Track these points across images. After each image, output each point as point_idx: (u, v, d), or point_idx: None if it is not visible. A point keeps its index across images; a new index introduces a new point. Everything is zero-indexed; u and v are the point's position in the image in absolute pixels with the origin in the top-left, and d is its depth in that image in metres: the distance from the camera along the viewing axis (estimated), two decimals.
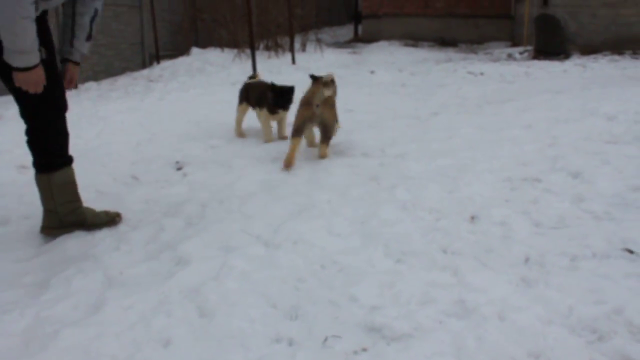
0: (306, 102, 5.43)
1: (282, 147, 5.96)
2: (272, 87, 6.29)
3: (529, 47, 15.38)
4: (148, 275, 3.36)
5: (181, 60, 13.55)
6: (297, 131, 5.36)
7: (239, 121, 6.73)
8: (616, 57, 13.34)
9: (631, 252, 3.33)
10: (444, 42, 19.22)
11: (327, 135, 5.48)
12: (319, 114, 5.37)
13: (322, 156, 5.45)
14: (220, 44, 14.83)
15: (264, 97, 6.32)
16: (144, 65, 14.04)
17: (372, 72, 12.16)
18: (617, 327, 2.68)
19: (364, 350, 2.62)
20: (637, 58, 13.13)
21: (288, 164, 5.18)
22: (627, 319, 2.71)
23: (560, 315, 2.79)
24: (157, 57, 13.90)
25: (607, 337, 2.61)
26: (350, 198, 4.37)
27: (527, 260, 3.34)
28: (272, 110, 6.31)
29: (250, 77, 7.18)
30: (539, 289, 3.01)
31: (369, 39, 19.85)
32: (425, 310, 2.86)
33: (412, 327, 2.73)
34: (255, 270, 3.30)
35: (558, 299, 2.91)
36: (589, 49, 14.13)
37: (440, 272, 3.23)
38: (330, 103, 5.48)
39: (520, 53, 15.15)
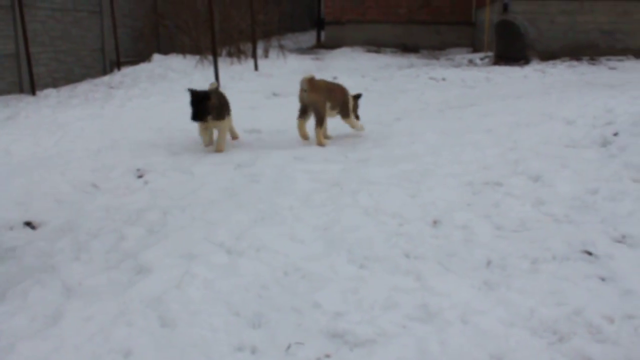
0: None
1: (244, 156, 5.91)
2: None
3: (490, 53, 15.58)
4: (108, 284, 3.30)
5: (143, 67, 13.41)
6: (299, 113, 6.54)
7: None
8: (574, 62, 13.59)
9: (590, 253, 3.39)
10: (406, 48, 19.36)
11: (317, 118, 6.35)
12: (306, 97, 6.34)
13: (317, 144, 6.32)
14: (183, 50, 14.71)
15: None
16: (105, 71, 13.86)
17: (334, 78, 12.16)
18: (577, 328, 2.71)
19: (327, 356, 2.61)
20: (594, 64, 13.40)
21: (303, 138, 6.54)
22: (587, 319, 2.75)
23: (521, 317, 2.82)
24: (118, 64, 13.73)
25: (568, 338, 2.65)
26: (312, 204, 4.35)
27: (489, 263, 3.37)
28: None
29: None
30: (501, 292, 3.04)
31: (331, 45, 19.89)
32: (389, 315, 2.86)
33: (375, 332, 2.73)
34: (218, 278, 3.27)
35: (519, 301, 2.94)
36: (548, 55, 14.37)
37: (403, 277, 3.24)
38: (319, 90, 6.38)
39: (481, 59, 15.33)
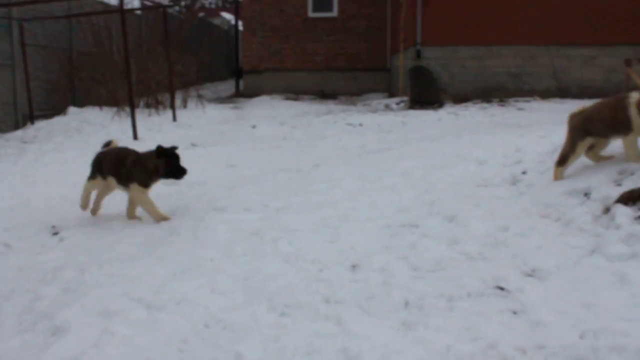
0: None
1: (163, 209, 5.86)
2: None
3: (405, 98, 16.03)
4: (22, 348, 3.20)
5: (57, 120, 13.12)
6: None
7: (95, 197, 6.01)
8: (485, 104, 14.13)
9: (502, 288, 3.52)
10: (324, 94, 19.71)
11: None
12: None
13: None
14: (99, 102, 14.47)
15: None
16: (17, 126, 13.45)
17: (253, 126, 12.26)
18: None
19: None
20: (503, 105, 13.98)
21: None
22: (501, 352, 2.85)
23: (439, 354, 2.89)
24: (31, 117, 13.39)
25: None
26: (233, 254, 4.36)
27: (407, 304, 3.44)
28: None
29: (105, 145, 6.25)
30: (419, 331, 3.11)
31: (250, 93, 20.04)
32: None
33: None
34: (137, 334, 3.22)
35: (437, 339, 3.01)
36: (461, 98, 14.93)
37: (323, 322, 3.27)
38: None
39: (397, 103, 15.75)
